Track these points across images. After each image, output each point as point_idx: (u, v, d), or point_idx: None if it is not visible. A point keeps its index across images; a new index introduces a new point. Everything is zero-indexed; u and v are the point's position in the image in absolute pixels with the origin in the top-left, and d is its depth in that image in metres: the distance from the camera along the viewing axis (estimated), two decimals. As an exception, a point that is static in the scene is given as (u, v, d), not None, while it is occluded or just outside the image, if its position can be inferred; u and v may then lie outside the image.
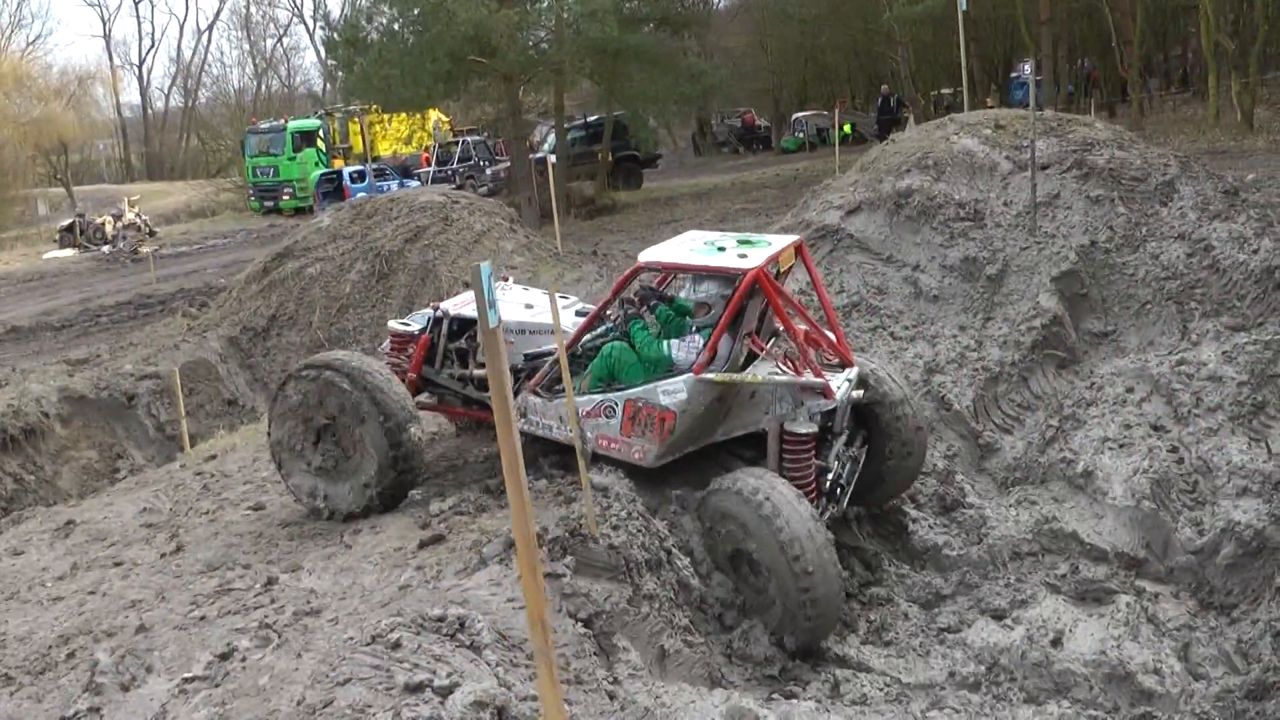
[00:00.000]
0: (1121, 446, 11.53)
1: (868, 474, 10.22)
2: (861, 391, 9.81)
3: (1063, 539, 10.77)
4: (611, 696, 7.13)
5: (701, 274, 9.43)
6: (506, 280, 12.07)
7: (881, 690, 8.42)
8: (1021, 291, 13.75)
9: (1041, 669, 8.86)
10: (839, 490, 9.55)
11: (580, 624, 7.56)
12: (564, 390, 9.50)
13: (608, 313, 10.11)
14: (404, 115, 46.07)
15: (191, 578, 9.29)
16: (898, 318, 13.68)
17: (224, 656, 7.16)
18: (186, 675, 7.02)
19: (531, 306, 10.76)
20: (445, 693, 6.21)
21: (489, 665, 6.67)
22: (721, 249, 9.42)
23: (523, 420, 10.03)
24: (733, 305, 8.92)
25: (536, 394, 9.94)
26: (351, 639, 6.87)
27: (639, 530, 8.47)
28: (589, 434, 9.56)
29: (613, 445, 9.50)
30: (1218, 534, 10.33)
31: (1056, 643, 9.14)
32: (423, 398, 10.93)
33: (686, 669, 8.02)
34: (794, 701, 7.62)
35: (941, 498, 11.28)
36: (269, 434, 10.38)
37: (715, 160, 61.30)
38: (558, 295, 11.12)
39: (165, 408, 17.91)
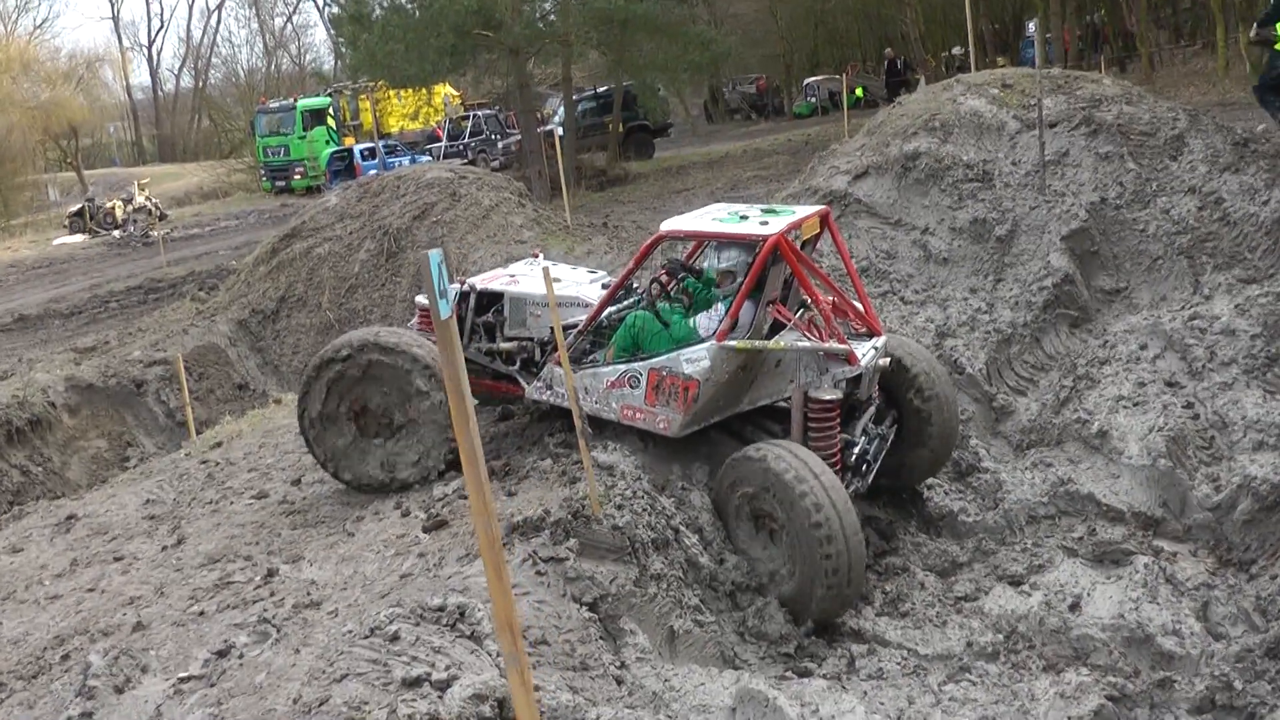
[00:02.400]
0: (1136, 405, 11.36)
1: (895, 456, 10.09)
2: (888, 360, 9.66)
3: (1079, 501, 10.62)
4: (619, 681, 7.03)
5: (724, 242, 9.39)
6: (537, 256, 11.97)
7: (898, 664, 8.24)
8: (1032, 251, 13.58)
9: (1060, 635, 8.71)
10: (865, 465, 9.42)
11: (585, 608, 7.46)
12: (589, 363, 9.77)
13: (632, 283, 10.14)
14: (409, 91, 45.74)
15: (192, 571, 9.23)
16: (908, 282, 13.52)
17: (221, 654, 7.10)
18: (183, 675, 6.95)
19: (559, 280, 10.66)
20: (443, 686, 6.11)
21: (490, 656, 6.56)
22: (744, 218, 9.36)
23: (549, 392, 10.03)
24: (754, 271, 8.86)
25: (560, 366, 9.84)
26: (350, 632, 6.76)
27: (644, 509, 8.36)
28: (614, 404, 9.54)
29: (638, 415, 9.43)
30: (1234, 489, 10.14)
31: (1075, 607, 8.99)
32: None
33: (698, 649, 7.91)
34: (806, 680, 7.49)
35: (956, 463, 11.13)
36: (303, 415, 10.25)
37: (728, 127, 61.04)
38: (587, 271, 11.29)
39: (175, 394, 17.75)
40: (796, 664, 8.22)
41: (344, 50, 44.46)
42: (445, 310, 4.03)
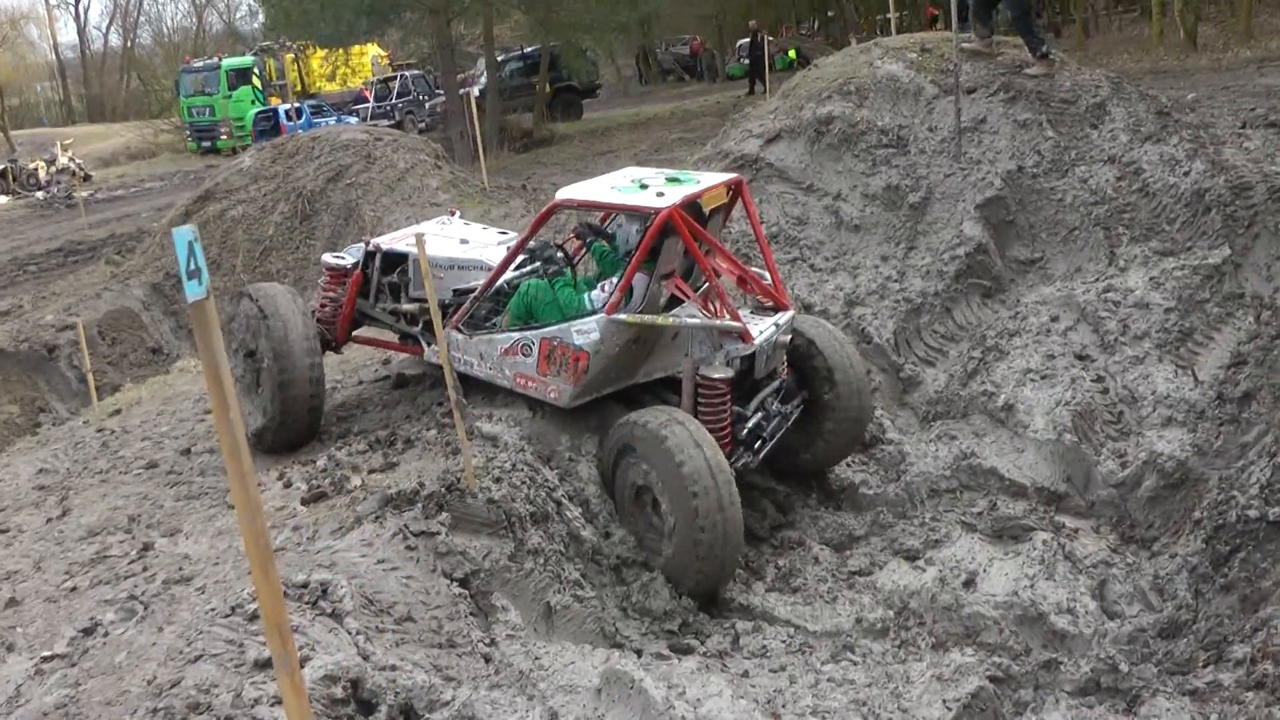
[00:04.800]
0: (1044, 378, 11.20)
1: (798, 436, 9.95)
2: (789, 337, 9.55)
3: (982, 475, 10.45)
4: (487, 659, 6.85)
5: (619, 213, 9.33)
6: (454, 214, 12.21)
7: (784, 641, 8.07)
8: (945, 220, 13.36)
9: (951, 612, 8.54)
10: (759, 441, 9.27)
11: (456, 584, 7.25)
12: (488, 328, 9.73)
13: (546, 250, 9.97)
14: (336, 51, 45.31)
15: (72, 544, 9.05)
16: (818, 249, 13.27)
17: (87, 632, 6.91)
18: (46, 654, 6.75)
19: (466, 241, 10.82)
20: (295, 667, 5.86)
21: (349, 634, 6.36)
22: (645, 186, 9.18)
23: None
24: (644, 244, 8.68)
25: (459, 330, 9.84)
26: (213, 610, 6.58)
27: (524, 482, 8.15)
28: (507, 371, 9.46)
29: (530, 384, 9.35)
30: (1140, 466, 10.02)
31: (969, 584, 8.80)
32: (361, 331, 11.15)
33: (576, 625, 7.72)
34: (676, 662, 7.27)
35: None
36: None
37: (660, 89, 60.90)
38: (498, 232, 11.31)
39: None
40: (679, 641, 8.03)
41: (260, 8, 43.86)
42: (195, 292, 3.67)
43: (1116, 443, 10.47)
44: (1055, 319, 11.95)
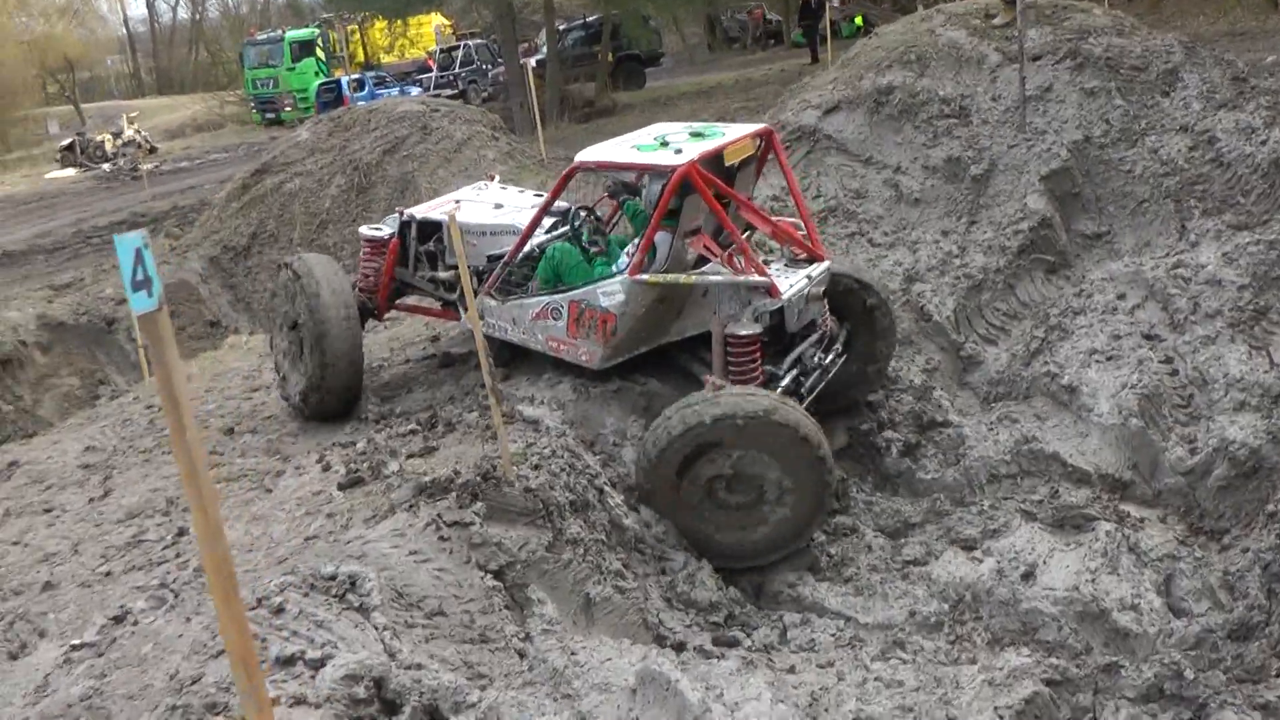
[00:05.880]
0: (1110, 359, 10.81)
1: (849, 372, 10.06)
2: (823, 289, 9.44)
3: (1043, 460, 10.10)
4: (521, 655, 6.63)
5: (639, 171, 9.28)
6: (493, 179, 12.26)
7: (833, 635, 7.82)
8: (1009, 192, 12.97)
9: (1009, 607, 8.23)
10: (799, 398, 9.04)
11: (490, 576, 7.00)
12: (517, 294, 9.82)
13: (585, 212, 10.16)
14: (399, 22, 45.24)
15: (110, 526, 8.96)
16: (877, 223, 12.95)
17: (117, 620, 6.76)
18: (75, 642, 6.62)
19: (501, 207, 10.84)
20: (317, 665, 5.70)
21: (376, 630, 6.15)
22: (666, 144, 9.10)
23: (481, 322, 9.71)
24: (662, 202, 8.64)
25: (492, 296, 9.91)
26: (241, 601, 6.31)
27: (564, 469, 7.94)
28: (539, 335, 9.56)
29: (561, 347, 9.43)
30: (1210, 453, 9.63)
31: (1028, 576, 8.49)
32: (404, 300, 11.37)
33: (617, 617, 7.47)
34: (714, 661, 6.98)
35: (918, 415, 10.67)
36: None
37: (724, 57, 60.26)
38: (534, 194, 11.36)
39: (146, 332, 17.60)
40: (724, 633, 7.79)
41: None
42: (144, 305, 3.35)
43: (1185, 428, 10.07)
44: (1122, 296, 11.55)
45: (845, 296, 10.04)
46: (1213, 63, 14.14)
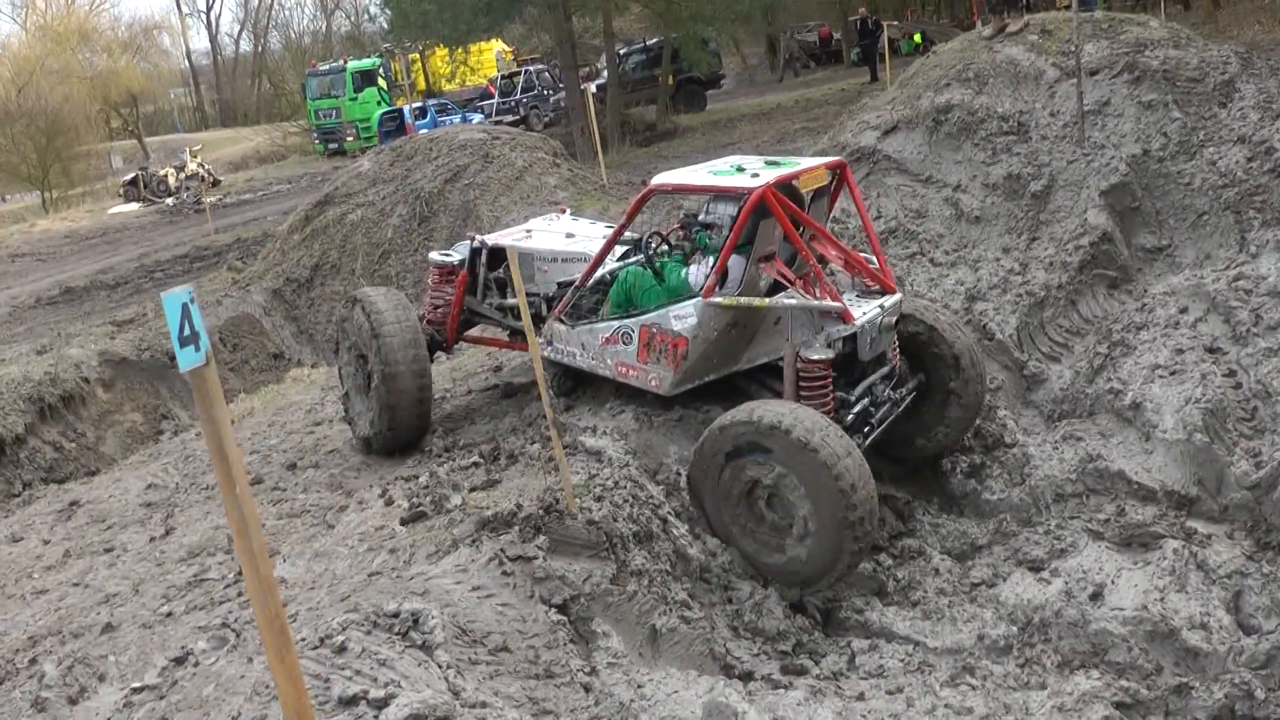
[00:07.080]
0: (1173, 373, 10.68)
1: (911, 425, 9.84)
2: (895, 319, 9.33)
3: (1109, 478, 9.98)
4: (586, 689, 6.63)
5: (712, 195, 9.24)
6: (564, 211, 12.36)
7: (902, 660, 7.76)
8: (1069, 208, 12.89)
9: (1078, 628, 8.15)
10: (867, 427, 9.03)
11: (554, 610, 7.01)
12: (587, 319, 9.83)
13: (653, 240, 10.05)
14: (460, 50, 45.37)
15: (172, 565, 8.99)
16: (937, 242, 12.89)
17: (179, 661, 6.77)
18: (136, 685, 6.62)
19: (572, 236, 10.92)
20: (380, 705, 5.70)
21: (439, 668, 6.17)
22: (741, 170, 9.16)
23: (550, 348, 10.06)
24: (737, 226, 8.66)
25: (561, 321, 9.96)
26: (302, 640, 6.37)
27: (627, 500, 7.93)
28: (609, 360, 9.55)
29: (630, 372, 9.42)
30: (1276, 466, 9.46)
31: (1096, 597, 8.40)
32: (472, 332, 11.40)
33: (684, 648, 7.46)
34: (782, 691, 6.97)
35: (983, 436, 10.58)
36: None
37: (786, 77, 60.24)
38: (605, 226, 11.35)
39: (209, 366, 17.69)
40: (793, 661, 7.75)
41: (381, 11, 44.28)
42: (192, 360, 3.33)
43: (1251, 441, 9.92)
44: (1184, 310, 11.42)
45: (919, 346, 9.84)
46: (1269, 72, 14.01)
